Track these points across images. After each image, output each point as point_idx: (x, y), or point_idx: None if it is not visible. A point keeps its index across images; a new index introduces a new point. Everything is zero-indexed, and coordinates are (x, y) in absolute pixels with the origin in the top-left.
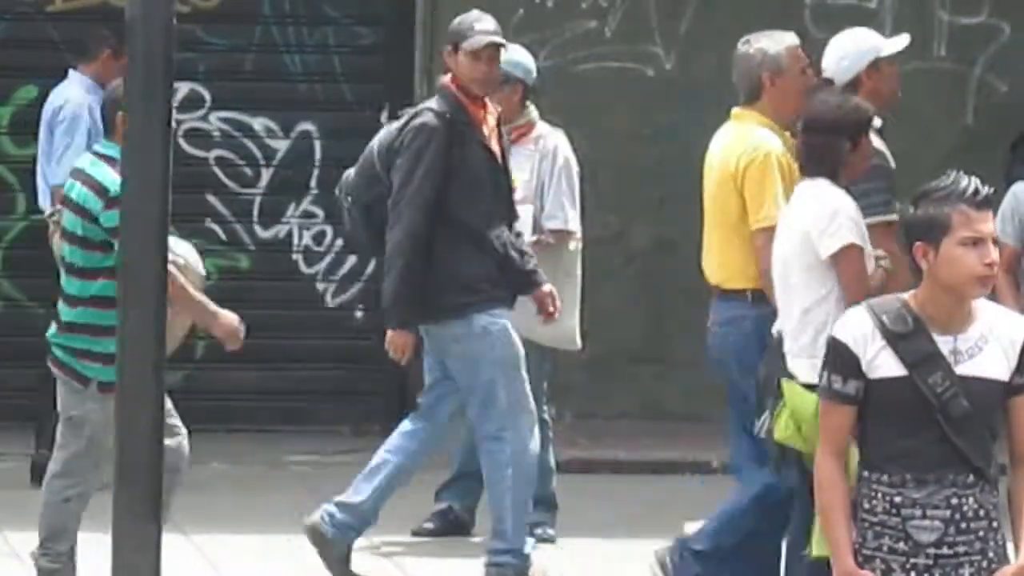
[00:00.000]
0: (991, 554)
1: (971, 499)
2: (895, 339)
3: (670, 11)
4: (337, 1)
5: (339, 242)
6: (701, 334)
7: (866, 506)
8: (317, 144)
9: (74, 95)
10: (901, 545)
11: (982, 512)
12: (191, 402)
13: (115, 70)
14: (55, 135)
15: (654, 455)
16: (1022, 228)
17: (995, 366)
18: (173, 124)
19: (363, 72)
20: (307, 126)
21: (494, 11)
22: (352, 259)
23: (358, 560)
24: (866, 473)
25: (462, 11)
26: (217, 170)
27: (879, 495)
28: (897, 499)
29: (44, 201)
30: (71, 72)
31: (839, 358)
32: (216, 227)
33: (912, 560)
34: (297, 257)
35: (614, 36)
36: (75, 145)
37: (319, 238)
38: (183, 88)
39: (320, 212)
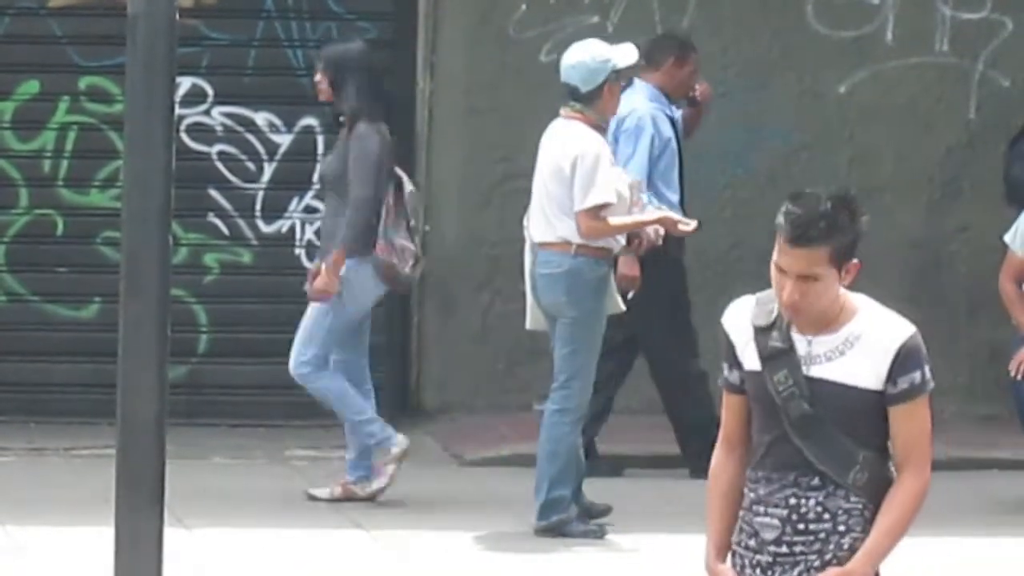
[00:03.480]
0: (828, 556)
1: (812, 501)
2: (757, 332)
3: (672, 6)
4: None
5: None
6: (703, 328)
7: (743, 501)
8: (320, 139)
9: (639, 104)
10: (752, 542)
11: (826, 516)
12: (193, 396)
13: (679, 78)
14: (619, 143)
15: (658, 450)
16: None
17: (855, 372)
18: (175, 119)
19: None
20: (310, 121)
21: (497, 6)
22: None
23: (354, 543)
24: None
25: (464, 6)
26: (219, 165)
27: (747, 490)
28: (752, 495)
29: None
30: (635, 81)
31: (724, 346)
32: (218, 222)
33: (757, 557)
34: (299, 252)
35: (616, 31)
36: (638, 154)
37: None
38: (185, 83)
39: (323, 207)
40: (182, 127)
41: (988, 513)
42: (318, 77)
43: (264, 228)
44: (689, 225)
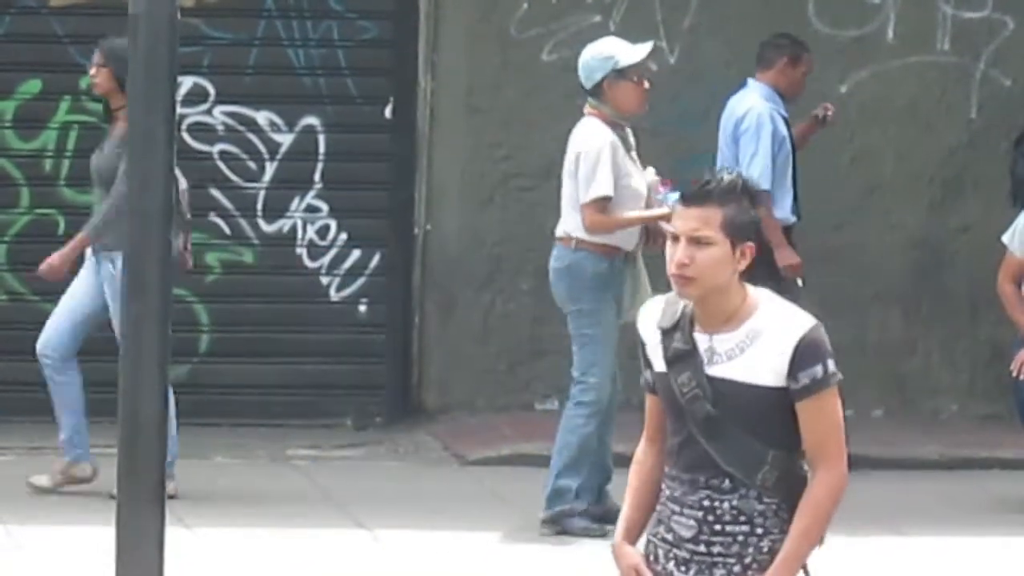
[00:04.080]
0: (748, 560)
1: (726, 503)
2: (663, 334)
3: (674, 5)
4: None
5: (343, 236)
6: None
7: (661, 495)
8: (321, 138)
9: (755, 103)
10: (669, 536)
11: (742, 517)
12: (195, 396)
13: (792, 78)
14: (740, 143)
15: None
16: None
17: (755, 370)
18: (176, 118)
19: (367, 66)
20: (311, 120)
21: (498, 5)
22: (356, 253)
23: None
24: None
25: (465, 4)
26: (221, 164)
27: (664, 485)
28: (667, 492)
29: None
30: (749, 81)
31: (638, 346)
32: (220, 221)
33: (674, 551)
34: (301, 251)
35: (618, 30)
36: (760, 152)
37: (323, 232)
38: (187, 82)
39: (324, 206)
40: (183, 126)
41: (990, 512)
42: (93, 71)
43: (265, 227)
44: None
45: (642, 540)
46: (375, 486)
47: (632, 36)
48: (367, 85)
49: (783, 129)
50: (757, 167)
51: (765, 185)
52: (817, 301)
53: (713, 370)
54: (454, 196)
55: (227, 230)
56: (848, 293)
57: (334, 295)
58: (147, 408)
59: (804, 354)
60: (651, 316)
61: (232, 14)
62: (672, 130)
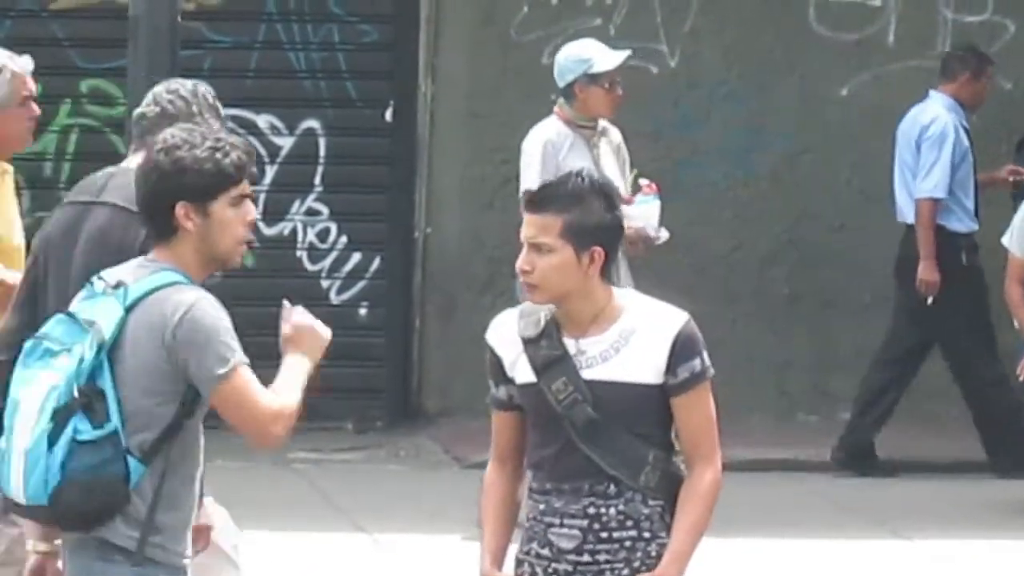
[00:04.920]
0: (637, 564)
1: (612, 509)
2: (526, 343)
3: (674, 8)
4: None
5: (343, 239)
6: (704, 328)
7: (528, 512)
8: (322, 141)
9: (940, 113)
10: (546, 551)
11: (629, 522)
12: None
13: (973, 90)
14: (922, 150)
15: None
16: None
17: (633, 369)
18: None
19: (368, 69)
20: (312, 123)
21: (498, 9)
22: (356, 256)
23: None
24: (529, 478)
25: (466, 8)
26: None
27: (532, 501)
28: (541, 506)
29: (904, 213)
30: (931, 92)
31: (490, 361)
32: None
33: (554, 565)
34: (301, 254)
35: (618, 34)
36: (941, 160)
37: (323, 235)
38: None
39: (325, 209)
40: None
41: (993, 515)
42: None
43: (266, 231)
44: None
45: (510, 562)
46: (376, 489)
47: (632, 39)
48: (367, 89)
49: (965, 141)
50: (935, 176)
51: (940, 194)
52: (822, 304)
53: (588, 373)
54: (454, 200)
55: None
56: (849, 296)
57: (334, 298)
58: None
59: (682, 348)
60: (506, 329)
61: (233, 17)
62: (672, 133)
